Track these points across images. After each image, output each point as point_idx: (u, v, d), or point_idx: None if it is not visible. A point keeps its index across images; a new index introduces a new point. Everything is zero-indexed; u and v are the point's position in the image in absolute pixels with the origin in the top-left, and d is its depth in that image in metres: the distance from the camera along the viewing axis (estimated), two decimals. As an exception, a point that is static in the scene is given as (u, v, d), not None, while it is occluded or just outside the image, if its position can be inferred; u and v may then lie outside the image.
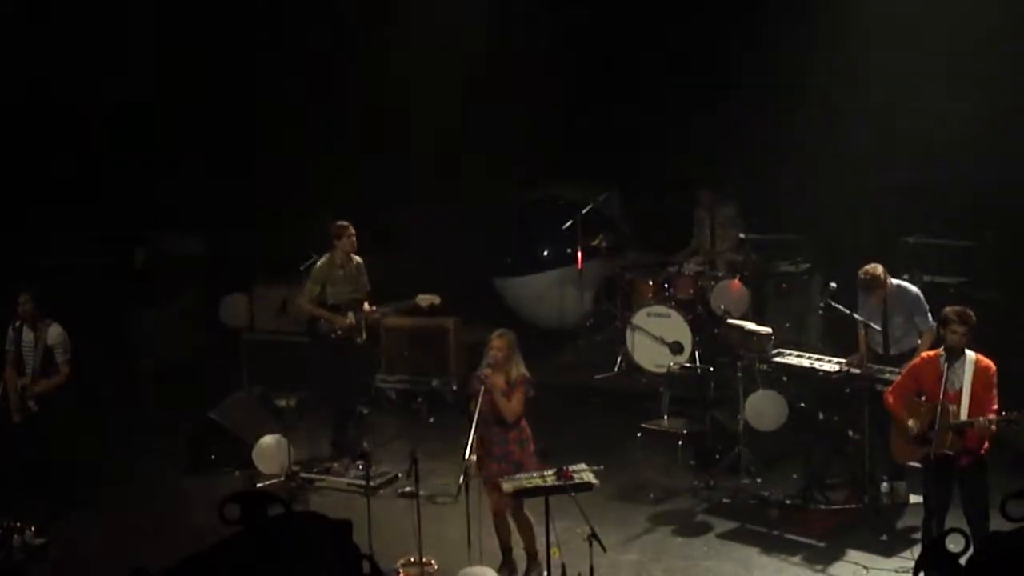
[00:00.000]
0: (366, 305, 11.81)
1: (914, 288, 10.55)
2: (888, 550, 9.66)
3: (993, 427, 8.65)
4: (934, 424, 8.73)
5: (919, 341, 10.32)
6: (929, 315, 10.30)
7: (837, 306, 10.51)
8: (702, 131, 14.04)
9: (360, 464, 10.84)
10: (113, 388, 13.41)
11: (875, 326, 10.34)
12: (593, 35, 14.92)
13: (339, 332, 11.65)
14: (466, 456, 8.90)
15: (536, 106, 14.79)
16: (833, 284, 10.72)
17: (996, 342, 9.56)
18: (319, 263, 11.80)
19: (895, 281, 10.44)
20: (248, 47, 15.47)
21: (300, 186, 15.36)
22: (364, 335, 11.85)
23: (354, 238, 11.71)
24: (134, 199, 15.23)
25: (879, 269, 10.27)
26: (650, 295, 13.27)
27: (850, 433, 10.59)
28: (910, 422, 8.94)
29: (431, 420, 10.06)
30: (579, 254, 13.98)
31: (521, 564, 9.37)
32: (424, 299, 11.68)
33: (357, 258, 11.80)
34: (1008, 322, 11.80)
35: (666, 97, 14.33)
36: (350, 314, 11.67)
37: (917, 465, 9.40)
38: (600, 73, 14.99)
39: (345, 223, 11.77)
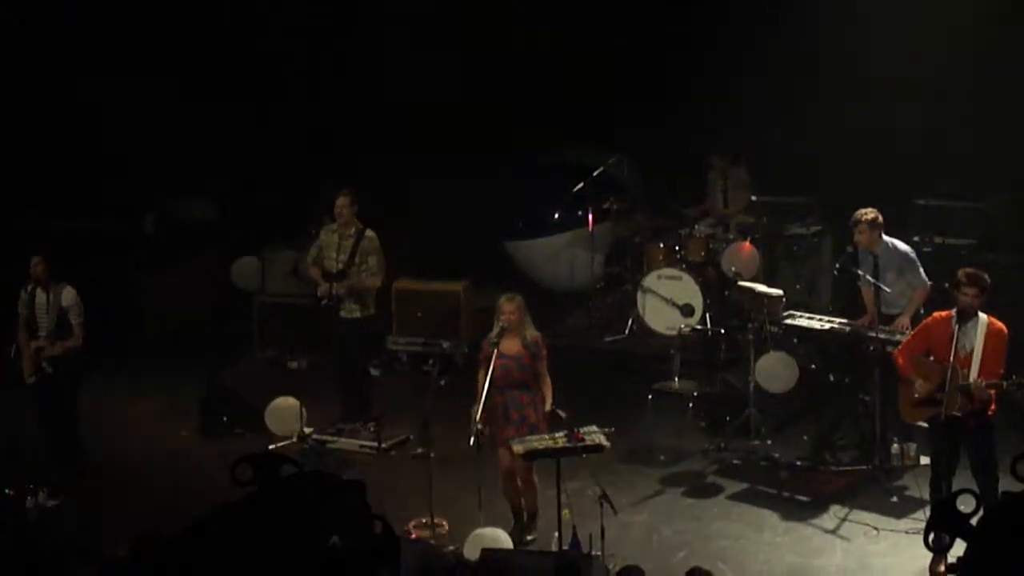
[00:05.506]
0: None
1: (904, 245, 10.55)
2: (898, 511, 9.69)
3: (993, 392, 8.65)
4: (944, 385, 8.72)
5: None
6: (922, 271, 10.31)
7: (849, 269, 10.54)
8: (714, 94, 13.99)
9: (371, 426, 10.88)
10: (125, 351, 13.45)
11: (885, 288, 10.32)
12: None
13: (324, 299, 11.51)
14: (475, 419, 8.93)
15: (548, 68, 14.71)
16: (850, 248, 10.70)
17: (1009, 305, 9.54)
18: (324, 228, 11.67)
19: (887, 239, 10.43)
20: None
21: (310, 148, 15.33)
22: (354, 311, 11.44)
23: (344, 208, 11.31)
24: (145, 164, 15.20)
25: (870, 211, 10.31)
26: (661, 258, 13.24)
27: (860, 395, 10.60)
28: (919, 383, 8.94)
29: (442, 383, 10.06)
30: (591, 217, 13.95)
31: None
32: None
33: (370, 233, 11.43)
34: (1021, 285, 11.77)
35: (677, 61, 14.27)
36: (324, 283, 11.41)
37: (925, 425, 9.42)
38: (611, 37, 14.90)
39: (342, 192, 11.42)
